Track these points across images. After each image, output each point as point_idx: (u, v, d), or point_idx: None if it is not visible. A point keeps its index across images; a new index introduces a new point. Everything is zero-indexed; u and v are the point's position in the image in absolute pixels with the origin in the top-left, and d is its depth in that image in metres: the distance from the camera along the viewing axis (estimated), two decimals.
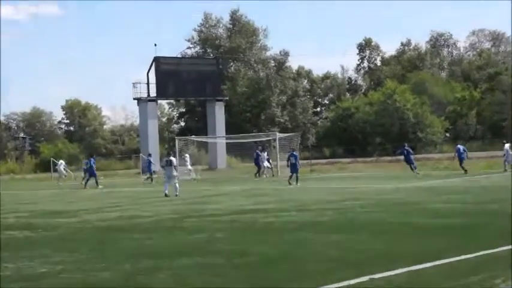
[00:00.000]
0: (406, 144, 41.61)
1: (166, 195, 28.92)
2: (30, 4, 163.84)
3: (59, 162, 52.20)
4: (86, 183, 42.20)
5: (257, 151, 47.72)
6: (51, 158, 68.39)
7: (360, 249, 12.33)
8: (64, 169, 51.75)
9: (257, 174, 46.10)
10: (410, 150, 40.69)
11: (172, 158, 30.79)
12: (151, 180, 44.34)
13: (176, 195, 28.59)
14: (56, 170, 54.14)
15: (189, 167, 48.32)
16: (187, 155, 50.17)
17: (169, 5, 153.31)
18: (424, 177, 35.79)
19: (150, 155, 49.48)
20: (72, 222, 19.67)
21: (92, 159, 43.72)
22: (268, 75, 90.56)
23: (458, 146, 41.66)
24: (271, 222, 17.49)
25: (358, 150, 75.89)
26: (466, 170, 38.71)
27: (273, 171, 47.37)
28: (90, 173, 42.21)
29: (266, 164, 47.04)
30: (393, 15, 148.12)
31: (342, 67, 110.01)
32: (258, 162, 46.84)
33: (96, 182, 41.71)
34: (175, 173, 30.14)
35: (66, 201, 29.64)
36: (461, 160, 39.85)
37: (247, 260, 11.76)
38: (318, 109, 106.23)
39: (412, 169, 39.16)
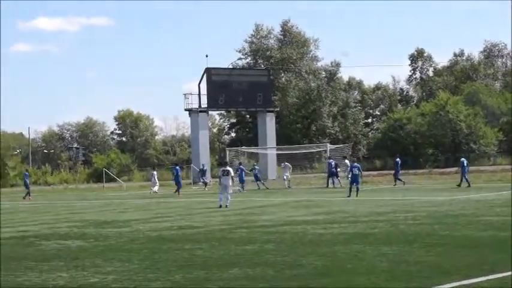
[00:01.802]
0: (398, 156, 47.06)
1: (221, 206, 28.94)
2: (81, 16, 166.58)
3: (153, 173, 52.34)
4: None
5: (330, 161, 47.33)
6: (104, 168, 69.28)
7: (411, 262, 12.21)
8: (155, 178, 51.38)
9: (332, 184, 45.88)
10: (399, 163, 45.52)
11: (229, 168, 30.79)
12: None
13: (226, 206, 28.65)
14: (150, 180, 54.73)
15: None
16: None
17: (221, 16, 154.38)
18: (477, 190, 35.37)
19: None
20: (123, 232, 19.83)
21: (177, 168, 44.54)
22: (319, 86, 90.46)
23: (463, 159, 41.45)
24: (321, 233, 17.42)
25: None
26: (467, 184, 39.32)
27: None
28: (176, 182, 43.07)
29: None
30: (446, 25, 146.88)
31: (394, 78, 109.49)
32: (332, 172, 46.40)
33: (178, 191, 42.46)
34: (231, 184, 30.18)
35: (118, 211, 29.92)
36: (463, 172, 40.23)
37: (298, 271, 11.72)
38: (369, 120, 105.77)
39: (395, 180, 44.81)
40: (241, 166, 48.15)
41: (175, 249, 15.26)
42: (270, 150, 66.32)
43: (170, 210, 29.37)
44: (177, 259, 13.71)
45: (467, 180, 39.69)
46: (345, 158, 47.84)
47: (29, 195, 47.07)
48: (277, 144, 68.95)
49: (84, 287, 11.09)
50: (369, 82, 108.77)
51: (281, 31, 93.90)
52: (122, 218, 25.66)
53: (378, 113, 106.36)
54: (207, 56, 70.79)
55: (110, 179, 68.77)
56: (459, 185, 39.22)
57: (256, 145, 70.51)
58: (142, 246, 16.25)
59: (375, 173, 63.37)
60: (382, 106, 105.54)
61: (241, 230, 19.03)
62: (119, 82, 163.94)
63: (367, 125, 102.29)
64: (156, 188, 48.41)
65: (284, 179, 48.60)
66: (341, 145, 58.97)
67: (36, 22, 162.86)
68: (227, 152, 59.02)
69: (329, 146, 53.95)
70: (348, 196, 33.39)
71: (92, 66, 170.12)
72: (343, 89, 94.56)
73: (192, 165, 64.29)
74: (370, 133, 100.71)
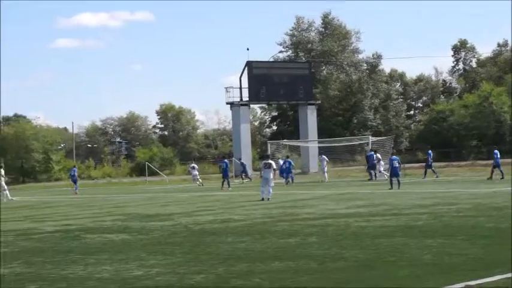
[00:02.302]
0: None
1: (263, 199, 29.08)
2: (125, 11, 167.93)
3: (192, 165, 53.68)
4: (223, 184, 43.63)
5: (371, 153, 47.24)
6: (146, 162, 69.75)
7: (455, 254, 12.12)
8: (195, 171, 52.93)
9: (374, 177, 45.85)
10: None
11: (271, 161, 30.96)
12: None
13: (268, 199, 28.74)
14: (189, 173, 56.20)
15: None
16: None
17: (262, 9, 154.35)
18: None
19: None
20: (166, 225, 19.97)
21: (226, 161, 45.37)
22: (360, 79, 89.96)
23: (496, 151, 41.22)
24: (364, 226, 17.36)
25: (453, 154, 74.56)
26: (490, 175, 39.90)
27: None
28: (224, 175, 43.88)
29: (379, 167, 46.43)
30: (489, 15, 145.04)
31: (436, 69, 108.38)
32: (373, 165, 46.35)
33: (228, 184, 43.08)
34: (272, 177, 30.26)
35: (161, 205, 30.12)
36: (497, 165, 40.32)
37: (341, 264, 11.71)
38: (411, 112, 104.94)
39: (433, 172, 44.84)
40: (288, 159, 48.41)
41: (218, 242, 15.33)
42: (311, 143, 66.20)
43: (212, 203, 29.49)
44: (220, 252, 13.78)
45: (492, 172, 39.96)
46: (375, 151, 47.69)
47: (75, 190, 47.80)
48: (318, 137, 68.79)
49: (128, 280, 11.19)
50: (411, 74, 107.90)
51: (322, 24, 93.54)
52: (165, 211, 25.83)
53: (420, 105, 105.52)
54: (248, 49, 70.86)
55: (152, 173, 69.19)
56: (502, 177, 38.88)
57: (298, 138, 70.44)
58: (185, 239, 16.35)
59: (417, 165, 62.79)
60: (424, 98, 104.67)
61: (283, 223, 19.05)
62: (160, 76, 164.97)
63: (409, 117, 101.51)
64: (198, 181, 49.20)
65: (324, 172, 48.46)
66: (383, 137, 58.54)
67: (80, 18, 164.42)
68: (268, 145, 59.06)
69: (371, 139, 53.65)
70: (390, 188, 33.40)
71: (134, 61, 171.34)
72: (384, 81, 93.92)
73: (233, 158, 64.43)
74: (412, 125, 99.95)
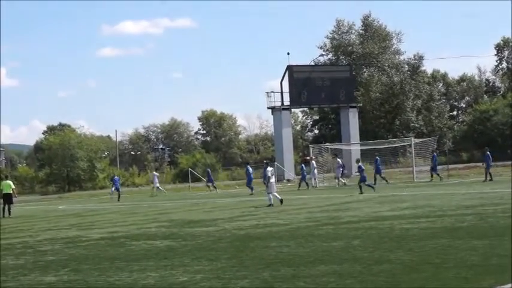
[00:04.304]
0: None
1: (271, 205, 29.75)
2: (165, 18, 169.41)
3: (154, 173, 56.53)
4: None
5: (376, 158, 47.46)
6: (189, 169, 70.11)
7: (503, 255, 11.95)
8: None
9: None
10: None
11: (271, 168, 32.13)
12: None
13: (271, 206, 29.45)
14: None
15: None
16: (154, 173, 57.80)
17: (302, 13, 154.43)
18: None
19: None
20: (210, 231, 20.02)
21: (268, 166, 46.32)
22: (402, 80, 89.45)
23: (488, 152, 42.34)
24: (408, 228, 17.23)
25: (498, 154, 73.63)
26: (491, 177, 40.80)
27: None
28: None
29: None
30: None
31: (479, 69, 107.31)
32: (378, 169, 46.46)
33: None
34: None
35: (204, 211, 30.23)
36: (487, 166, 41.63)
37: (386, 267, 11.63)
38: (454, 113, 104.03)
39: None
40: (302, 165, 49.43)
41: (261, 247, 15.33)
42: (354, 146, 65.92)
43: (255, 208, 29.52)
44: (264, 257, 13.76)
45: (490, 174, 40.84)
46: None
47: (111, 195, 48.65)
48: (360, 140, 68.49)
49: (173, 286, 11.24)
50: (454, 74, 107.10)
51: (362, 26, 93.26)
52: (209, 217, 25.91)
53: (463, 105, 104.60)
54: (288, 53, 70.58)
55: (196, 179, 69.51)
56: (485, 180, 40.22)
57: (340, 141, 70.22)
58: (229, 244, 16.37)
59: (462, 165, 62.29)
60: (467, 98, 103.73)
61: (327, 227, 18.98)
62: (202, 82, 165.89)
63: (452, 117, 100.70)
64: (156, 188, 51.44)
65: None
66: (426, 139, 58.09)
67: (122, 26, 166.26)
68: (310, 149, 58.96)
69: (413, 140, 53.29)
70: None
71: (175, 67, 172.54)
72: (426, 82, 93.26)
73: (275, 162, 64.41)
74: (455, 126, 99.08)
